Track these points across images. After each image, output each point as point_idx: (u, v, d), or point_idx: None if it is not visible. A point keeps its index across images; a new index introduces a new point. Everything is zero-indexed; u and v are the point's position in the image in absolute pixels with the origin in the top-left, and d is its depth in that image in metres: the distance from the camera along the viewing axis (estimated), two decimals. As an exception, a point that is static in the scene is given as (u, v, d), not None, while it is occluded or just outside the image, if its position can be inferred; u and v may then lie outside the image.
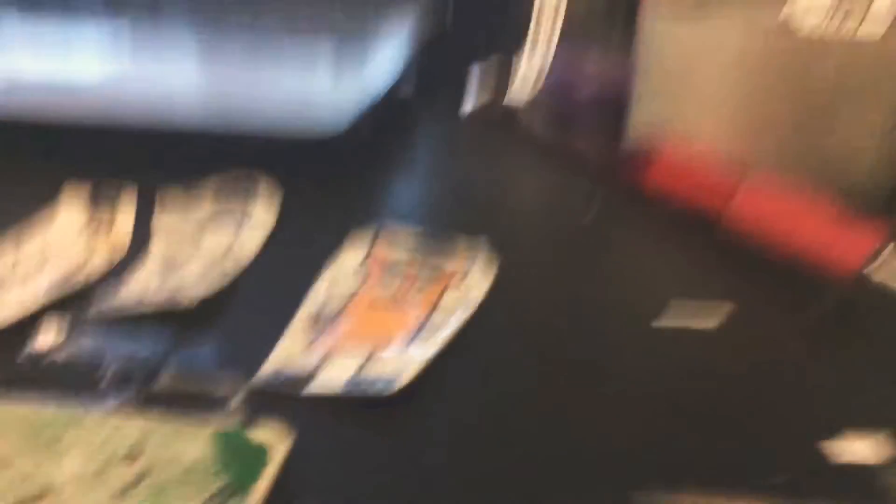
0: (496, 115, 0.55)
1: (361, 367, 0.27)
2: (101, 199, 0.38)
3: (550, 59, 0.57)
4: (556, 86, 0.56)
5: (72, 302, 0.31)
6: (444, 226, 0.39)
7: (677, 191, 0.40)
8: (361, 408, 0.26)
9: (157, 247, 0.35)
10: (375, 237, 0.35)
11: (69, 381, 0.27)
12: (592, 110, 0.53)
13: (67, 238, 0.36)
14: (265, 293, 0.33)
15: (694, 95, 0.43)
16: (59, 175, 0.42)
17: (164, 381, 0.26)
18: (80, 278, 0.32)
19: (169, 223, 0.36)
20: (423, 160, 0.48)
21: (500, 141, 0.52)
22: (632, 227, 0.40)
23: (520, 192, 0.44)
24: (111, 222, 0.37)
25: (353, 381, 0.26)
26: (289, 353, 0.28)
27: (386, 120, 0.48)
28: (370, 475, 0.24)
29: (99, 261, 0.34)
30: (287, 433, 0.24)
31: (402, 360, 0.27)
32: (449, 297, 0.32)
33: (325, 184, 0.43)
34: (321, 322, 0.30)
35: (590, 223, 0.39)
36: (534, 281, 0.34)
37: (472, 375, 0.28)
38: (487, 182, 0.46)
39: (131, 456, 0.23)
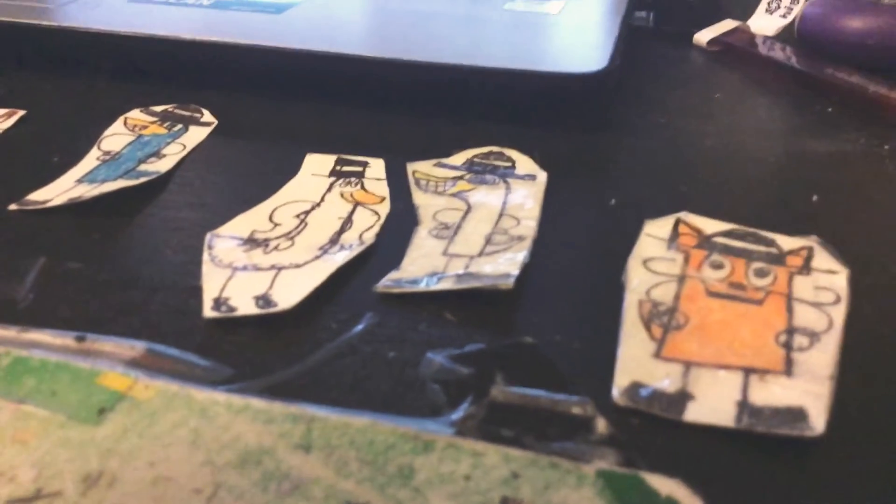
0: (740, 45, 0.48)
1: (745, 390, 0.22)
2: (345, 164, 0.33)
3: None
4: (819, 15, 0.48)
5: (352, 273, 0.27)
6: (729, 187, 0.33)
7: None
8: (767, 445, 0.20)
9: (426, 214, 0.30)
10: (676, 219, 0.29)
11: (381, 381, 0.22)
12: (867, 48, 0.45)
13: (318, 195, 0.31)
14: (561, 269, 0.28)
15: None
16: (298, 141, 0.37)
17: (498, 394, 0.22)
18: (352, 240, 0.28)
19: (427, 195, 0.31)
20: (673, 98, 0.41)
21: (749, 76, 0.44)
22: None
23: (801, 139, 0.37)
24: (361, 183, 0.32)
25: (747, 411, 0.21)
26: (636, 359, 0.23)
27: (628, 53, 0.41)
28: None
29: (364, 221, 0.29)
30: (686, 483, 0.19)
31: (797, 389, 0.22)
32: (801, 286, 0.26)
33: (589, 133, 0.37)
34: (659, 318, 0.24)
35: None
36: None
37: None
38: (760, 128, 0.39)
39: None
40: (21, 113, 0.36)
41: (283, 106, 0.38)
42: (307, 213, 0.30)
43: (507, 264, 0.26)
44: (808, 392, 0.21)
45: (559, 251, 0.28)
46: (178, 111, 0.37)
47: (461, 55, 0.37)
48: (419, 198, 0.31)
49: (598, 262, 0.28)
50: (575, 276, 0.27)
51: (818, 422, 0.20)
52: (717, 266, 0.27)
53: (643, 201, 0.31)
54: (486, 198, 0.31)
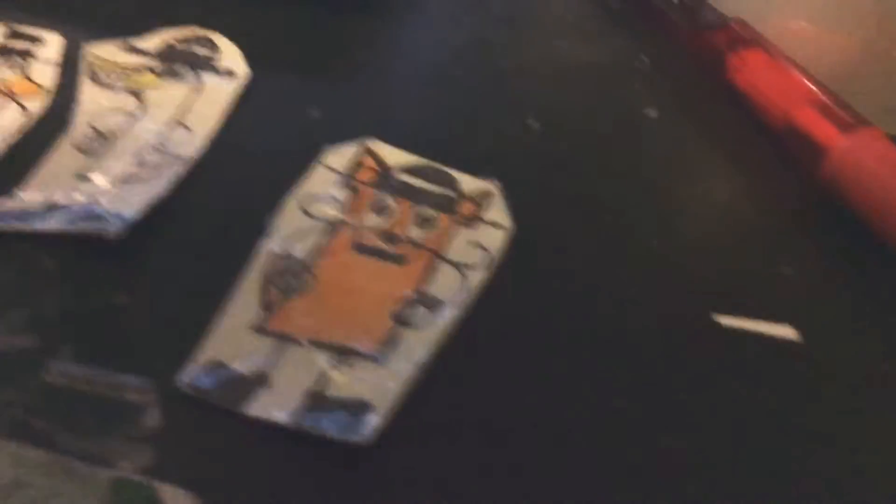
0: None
1: (322, 380, 0.20)
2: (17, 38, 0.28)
3: None
4: None
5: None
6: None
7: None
8: (317, 446, 0.19)
9: (82, 118, 0.26)
10: (362, 148, 0.27)
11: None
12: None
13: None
14: (208, 203, 0.25)
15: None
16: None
17: (52, 373, 0.19)
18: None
19: (97, 89, 0.27)
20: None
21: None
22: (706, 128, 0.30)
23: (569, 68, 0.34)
24: (26, 68, 0.28)
25: (308, 410, 0.19)
26: (231, 331, 0.21)
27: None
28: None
29: (8, 118, 0.26)
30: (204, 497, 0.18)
31: (376, 378, 0.20)
32: (460, 240, 0.24)
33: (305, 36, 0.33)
34: (283, 278, 0.22)
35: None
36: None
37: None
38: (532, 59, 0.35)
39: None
40: None
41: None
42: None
43: (133, 201, 0.23)
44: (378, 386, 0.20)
45: (221, 175, 0.25)
46: None
47: None
48: (87, 92, 0.27)
49: (259, 198, 0.25)
50: (220, 213, 0.24)
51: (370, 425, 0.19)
52: (381, 210, 0.25)
53: (351, 117, 0.28)
54: (166, 98, 0.28)
